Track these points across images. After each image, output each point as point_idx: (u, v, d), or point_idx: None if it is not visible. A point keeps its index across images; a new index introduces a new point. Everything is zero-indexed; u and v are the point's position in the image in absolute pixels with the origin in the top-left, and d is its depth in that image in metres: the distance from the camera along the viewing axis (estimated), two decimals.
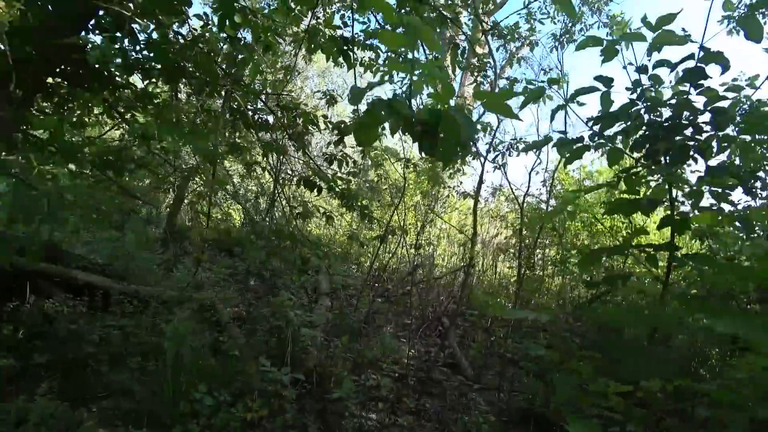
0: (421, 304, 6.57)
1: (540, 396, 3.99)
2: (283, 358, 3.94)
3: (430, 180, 6.31)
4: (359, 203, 4.31)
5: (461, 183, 6.46)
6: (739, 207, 2.71)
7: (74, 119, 3.24)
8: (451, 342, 5.61)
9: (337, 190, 3.37)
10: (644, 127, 2.27)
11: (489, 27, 5.99)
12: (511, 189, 5.67)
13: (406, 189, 5.54)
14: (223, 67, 3.13)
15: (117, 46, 2.55)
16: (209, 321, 4.89)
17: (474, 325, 5.88)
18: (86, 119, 3.36)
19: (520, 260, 6.19)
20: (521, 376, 4.22)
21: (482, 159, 4.30)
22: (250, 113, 3.48)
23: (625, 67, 2.33)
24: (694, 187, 2.06)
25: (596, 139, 2.34)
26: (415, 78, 1.43)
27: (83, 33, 2.65)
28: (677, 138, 2.14)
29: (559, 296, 6.83)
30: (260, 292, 6.91)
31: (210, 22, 3.05)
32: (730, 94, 2.15)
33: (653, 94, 2.28)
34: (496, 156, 4.18)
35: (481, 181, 4.24)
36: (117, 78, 2.86)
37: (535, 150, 4.61)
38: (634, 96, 2.28)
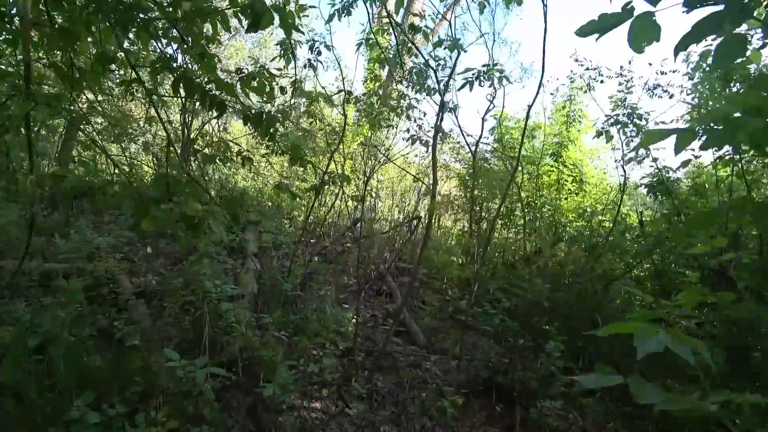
0: (363, 263, 5.97)
1: (502, 363, 3.62)
2: (199, 343, 3.16)
3: (372, 123, 5.50)
4: (286, 142, 3.43)
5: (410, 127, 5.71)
6: None
7: None
8: (398, 305, 5.13)
9: (251, 112, 2.44)
10: None
11: None
12: (463, 135, 5.06)
13: (345, 131, 4.70)
14: None
15: None
16: (105, 299, 3.89)
17: (423, 285, 5.41)
18: None
19: (472, 215, 5.75)
20: (480, 343, 3.82)
21: (440, 91, 3.57)
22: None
23: None
24: None
25: None
26: None
27: None
28: None
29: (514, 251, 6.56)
30: (175, 257, 5.90)
31: None
32: None
33: None
34: (464, 85, 3.47)
35: (441, 118, 3.54)
36: None
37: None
38: None
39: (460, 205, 6.57)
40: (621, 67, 4.49)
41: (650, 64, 5.85)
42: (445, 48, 3.18)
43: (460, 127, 5.44)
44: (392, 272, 5.95)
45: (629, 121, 4.56)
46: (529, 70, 6.13)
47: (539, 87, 3.42)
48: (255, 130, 2.27)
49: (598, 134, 4.75)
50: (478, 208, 5.69)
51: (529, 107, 3.70)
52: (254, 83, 2.81)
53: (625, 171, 4.97)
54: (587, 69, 4.59)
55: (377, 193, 7.03)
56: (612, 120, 4.63)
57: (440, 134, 4.06)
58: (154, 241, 6.03)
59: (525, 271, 3.90)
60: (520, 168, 6.89)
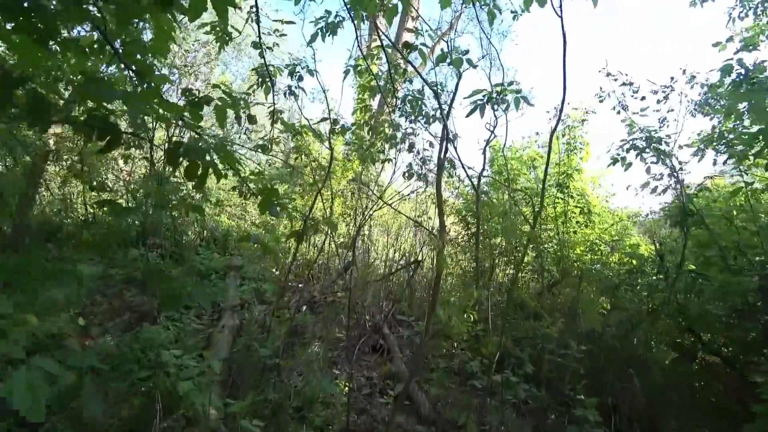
0: (357, 314, 5.29)
1: None
2: None
3: (363, 158, 4.97)
4: (259, 184, 2.86)
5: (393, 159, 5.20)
6: None
7: None
8: (398, 366, 4.43)
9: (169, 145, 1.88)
10: None
11: None
12: (464, 168, 4.53)
13: (332, 166, 4.15)
14: None
15: None
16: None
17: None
18: None
19: (477, 255, 5.15)
20: (504, 416, 3.12)
21: (443, 118, 3.04)
22: None
23: None
24: None
25: None
26: None
27: None
28: None
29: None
30: (142, 311, 5.18)
31: None
32: None
33: None
34: (473, 111, 2.94)
35: (445, 149, 2.99)
36: None
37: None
38: None
39: (461, 243, 5.99)
40: (672, 78, 4.00)
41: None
42: (449, 64, 2.68)
43: (459, 159, 4.91)
44: (390, 323, 5.26)
45: (647, 146, 4.08)
46: (528, 96, 5.64)
47: (561, 107, 2.94)
48: (171, 166, 1.68)
49: (614, 161, 4.26)
50: (482, 247, 5.11)
51: (553, 130, 3.20)
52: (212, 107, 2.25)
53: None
54: (623, 84, 4.10)
55: (370, 233, 6.42)
56: (629, 145, 4.15)
57: (443, 167, 3.52)
58: (116, 292, 5.32)
59: (546, 324, 3.26)
60: (524, 199, 6.43)
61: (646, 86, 4.05)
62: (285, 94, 3.96)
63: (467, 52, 2.73)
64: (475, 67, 2.82)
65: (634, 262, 4.68)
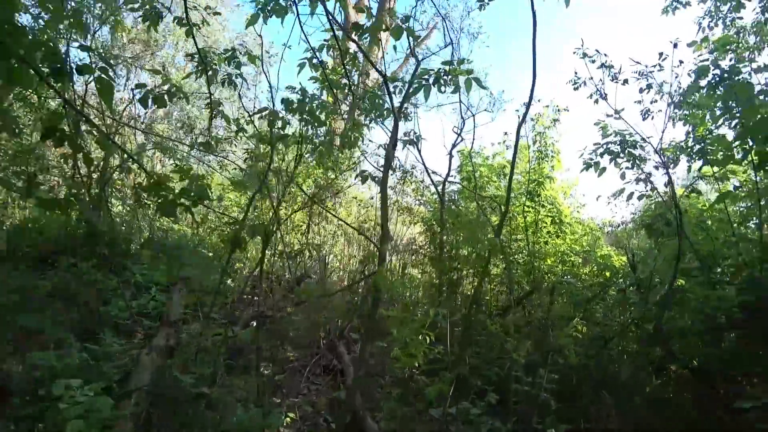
0: (309, 331, 4.80)
1: None
2: None
3: (318, 161, 4.53)
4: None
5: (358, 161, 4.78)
6: None
7: None
8: (351, 391, 3.95)
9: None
10: None
11: None
12: (428, 173, 4.15)
13: (272, 163, 3.69)
14: None
15: None
16: None
17: (381, 362, 4.28)
18: None
19: (440, 267, 4.74)
20: None
21: (393, 111, 2.64)
22: None
23: None
24: None
25: None
26: None
27: None
28: None
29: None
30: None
31: None
32: None
33: None
34: (418, 90, 2.54)
35: (393, 144, 2.58)
36: None
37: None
38: None
39: (427, 254, 5.59)
40: (661, 55, 3.54)
41: None
42: (394, 35, 2.28)
43: (423, 162, 4.55)
44: (347, 341, 4.79)
45: (621, 150, 3.80)
46: (499, 100, 5.34)
47: (531, 94, 2.59)
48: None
49: (587, 166, 3.96)
50: (447, 257, 4.73)
51: (521, 121, 2.84)
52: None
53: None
54: (602, 66, 3.66)
55: (324, 242, 5.96)
56: (603, 149, 3.86)
57: (396, 169, 3.11)
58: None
59: (513, 346, 2.86)
60: (493, 208, 6.10)
61: (629, 70, 3.68)
62: (224, 83, 3.48)
63: (408, 18, 2.35)
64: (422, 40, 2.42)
65: (607, 274, 4.38)
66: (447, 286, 4.59)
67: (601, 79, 3.58)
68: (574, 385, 3.66)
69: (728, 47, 3.68)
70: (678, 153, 4.29)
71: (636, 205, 8.90)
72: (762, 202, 3.09)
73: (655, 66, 3.56)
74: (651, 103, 3.76)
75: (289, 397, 3.90)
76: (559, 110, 5.27)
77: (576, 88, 3.81)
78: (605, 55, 3.61)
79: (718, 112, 3.54)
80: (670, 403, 3.74)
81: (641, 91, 3.66)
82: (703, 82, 3.53)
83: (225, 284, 6.66)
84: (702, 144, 3.67)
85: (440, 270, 4.54)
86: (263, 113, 3.41)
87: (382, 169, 4.76)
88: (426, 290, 5.81)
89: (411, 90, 2.33)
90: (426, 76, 2.35)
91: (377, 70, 3.06)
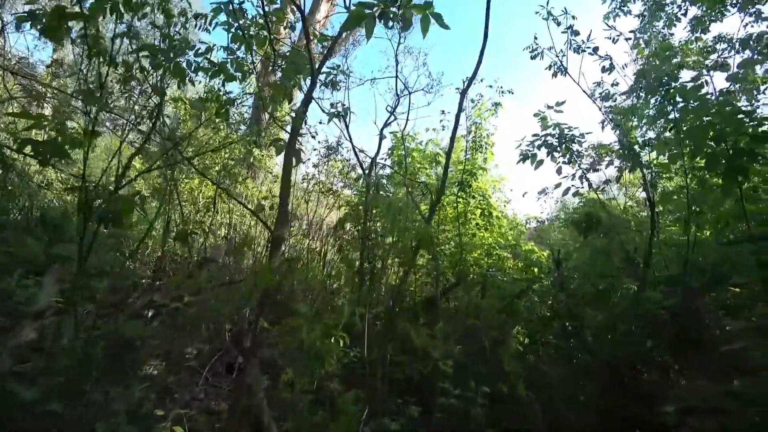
0: (209, 324, 4.19)
1: None
2: None
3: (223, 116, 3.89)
4: None
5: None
6: None
7: None
8: (254, 387, 3.45)
9: None
10: None
11: None
12: (355, 152, 3.72)
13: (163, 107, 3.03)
14: None
15: None
16: None
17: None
18: None
19: (363, 256, 4.36)
20: None
21: (311, 63, 2.15)
22: None
23: None
24: None
25: None
26: None
27: None
28: None
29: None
30: None
31: None
32: None
33: None
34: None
35: (303, 111, 2.10)
36: None
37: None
38: None
39: (349, 240, 5.17)
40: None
41: None
42: None
43: (351, 140, 4.07)
44: (254, 336, 4.24)
45: (559, 144, 3.64)
46: (438, 82, 5.00)
47: (479, 61, 2.23)
48: None
49: (524, 157, 3.76)
50: (371, 244, 4.34)
51: (464, 91, 2.48)
52: None
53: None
54: (568, 29, 3.36)
55: (238, 221, 5.31)
56: (541, 141, 3.67)
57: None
58: None
59: (438, 355, 2.55)
60: (421, 197, 5.83)
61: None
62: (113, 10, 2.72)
63: None
64: None
65: (535, 270, 4.28)
66: (369, 276, 4.22)
67: (568, 46, 3.33)
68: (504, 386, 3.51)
69: (667, 53, 3.63)
70: (610, 154, 4.27)
71: (559, 202, 9.22)
72: (694, 208, 3.07)
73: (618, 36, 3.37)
74: (612, 85, 3.61)
75: (179, 404, 3.30)
76: (503, 92, 5.03)
77: (533, 57, 3.55)
78: (573, 17, 3.34)
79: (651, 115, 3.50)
80: (580, 394, 3.73)
81: (604, 70, 3.49)
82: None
83: (121, 266, 5.73)
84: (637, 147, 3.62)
85: (363, 258, 4.14)
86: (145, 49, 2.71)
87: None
88: (347, 279, 5.42)
89: (348, 22, 1.82)
90: (369, 8, 1.85)
91: (296, 4, 2.52)
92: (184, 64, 3.00)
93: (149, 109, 3.37)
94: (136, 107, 3.70)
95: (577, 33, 3.43)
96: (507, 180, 7.15)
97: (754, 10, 5.11)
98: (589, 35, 3.42)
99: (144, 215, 4.60)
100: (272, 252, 2.05)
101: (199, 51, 2.93)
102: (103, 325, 3.77)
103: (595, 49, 3.43)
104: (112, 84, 3.62)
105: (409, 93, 4.34)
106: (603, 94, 3.71)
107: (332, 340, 2.35)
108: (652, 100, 3.30)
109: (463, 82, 3.13)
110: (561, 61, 3.45)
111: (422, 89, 4.60)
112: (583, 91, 3.84)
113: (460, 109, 2.57)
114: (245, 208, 4.00)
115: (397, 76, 4.17)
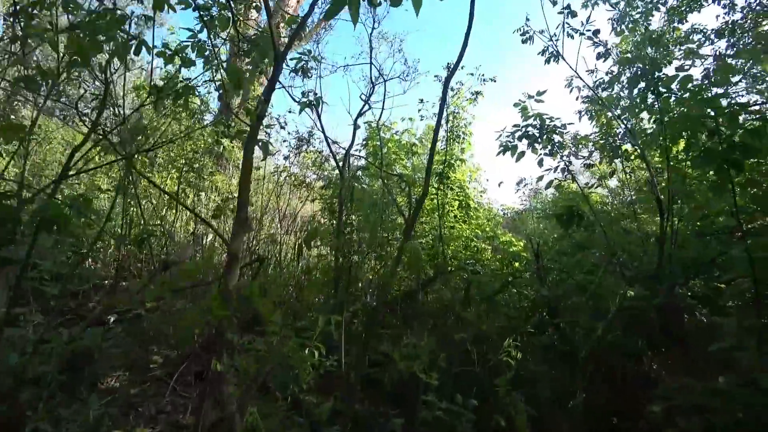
0: (175, 331, 3.93)
1: None
2: None
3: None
4: None
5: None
6: None
7: None
8: (224, 398, 3.25)
9: None
10: None
11: None
12: (328, 143, 3.49)
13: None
14: None
15: None
16: None
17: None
18: None
19: (339, 249, 4.17)
20: None
21: (273, 45, 1.93)
22: None
23: None
24: None
25: None
26: None
27: None
28: None
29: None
30: None
31: None
32: None
33: None
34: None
35: (267, 96, 1.89)
36: None
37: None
38: None
39: (324, 234, 4.95)
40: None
41: None
42: None
43: (323, 130, 3.84)
44: (228, 340, 4.00)
45: (540, 135, 3.52)
46: (414, 69, 4.79)
47: (464, 45, 2.05)
48: None
49: (504, 149, 3.63)
50: (347, 239, 4.16)
51: (447, 80, 2.29)
52: None
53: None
54: (564, 10, 3.20)
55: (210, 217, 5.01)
56: (521, 132, 3.54)
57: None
58: None
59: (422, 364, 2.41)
60: (397, 190, 5.67)
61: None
62: None
63: None
64: None
65: (516, 264, 4.19)
66: (346, 272, 4.05)
67: (564, 28, 3.17)
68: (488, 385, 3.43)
69: (649, 43, 3.54)
70: (591, 147, 4.20)
71: (535, 192, 9.22)
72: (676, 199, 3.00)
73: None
74: (607, 74, 3.48)
75: (143, 420, 3.06)
76: (484, 80, 4.86)
77: (525, 41, 3.39)
78: None
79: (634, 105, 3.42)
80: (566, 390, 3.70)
81: (599, 57, 3.37)
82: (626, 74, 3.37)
83: (76, 268, 5.34)
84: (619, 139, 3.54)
85: (338, 254, 3.95)
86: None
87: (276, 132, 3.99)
88: (324, 276, 5.23)
89: (334, 4, 1.58)
90: None
91: None
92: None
93: (95, 96, 3.04)
94: (87, 94, 3.35)
95: (574, 14, 3.28)
96: (483, 170, 7.06)
97: (728, 0, 5.12)
98: (589, 17, 3.29)
99: (87, 217, 4.25)
100: (227, 271, 1.84)
101: (138, 23, 2.62)
102: (55, 336, 3.46)
103: (596, 32, 3.30)
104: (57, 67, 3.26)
105: (384, 81, 4.15)
106: (597, 83, 3.60)
107: (306, 351, 2.17)
108: (635, 90, 3.22)
109: (448, 68, 2.93)
110: (555, 46, 3.31)
111: (398, 76, 4.40)
112: (579, 77, 3.70)
113: (444, 99, 2.40)
114: (195, 215, 3.70)
115: (371, 63, 3.96)
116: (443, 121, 5.70)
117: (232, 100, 6.83)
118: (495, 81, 4.78)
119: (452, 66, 2.31)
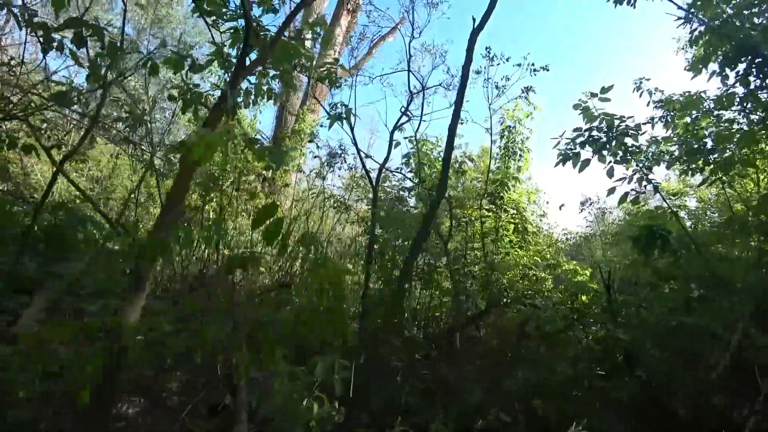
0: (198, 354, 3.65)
1: None
2: None
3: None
4: None
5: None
6: None
7: None
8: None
9: None
10: None
11: None
12: (360, 158, 3.13)
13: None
14: None
15: None
16: None
17: None
18: None
19: (368, 270, 3.71)
20: None
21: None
22: None
23: None
24: None
25: None
26: None
27: None
28: None
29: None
30: None
31: None
32: None
33: None
34: None
35: (232, 88, 1.54)
36: None
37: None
38: None
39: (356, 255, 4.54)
40: None
41: None
42: None
43: (355, 143, 3.49)
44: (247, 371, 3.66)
45: (609, 139, 2.90)
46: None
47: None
48: None
49: (564, 158, 3.04)
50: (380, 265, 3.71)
51: (473, 34, 1.83)
52: None
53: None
54: None
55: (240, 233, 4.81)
56: (584, 137, 2.95)
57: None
58: None
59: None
60: (446, 210, 5.15)
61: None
62: None
63: None
64: None
65: (584, 298, 3.49)
66: (378, 302, 3.57)
67: None
68: None
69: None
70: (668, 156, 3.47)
71: (597, 214, 8.22)
72: None
73: None
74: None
75: None
76: (535, 71, 4.22)
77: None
78: None
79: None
80: None
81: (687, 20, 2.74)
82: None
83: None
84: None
85: (367, 279, 3.51)
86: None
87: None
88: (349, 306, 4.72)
89: None
90: None
91: None
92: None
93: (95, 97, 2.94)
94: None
95: None
96: (542, 191, 6.34)
97: None
98: None
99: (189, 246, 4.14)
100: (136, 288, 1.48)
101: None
102: (74, 355, 3.30)
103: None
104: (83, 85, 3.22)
105: (424, 89, 3.75)
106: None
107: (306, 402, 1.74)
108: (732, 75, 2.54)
109: (473, 21, 2.43)
110: None
111: (440, 84, 4.00)
112: (679, 7, 2.89)
113: (469, 60, 1.95)
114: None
115: (409, 70, 3.59)
116: (496, 135, 5.18)
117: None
118: (548, 70, 4.14)
119: (480, 19, 1.85)
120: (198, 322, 3.94)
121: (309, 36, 2.90)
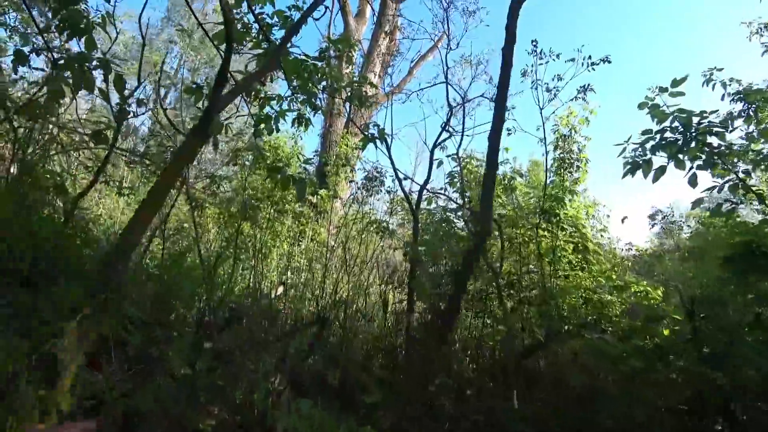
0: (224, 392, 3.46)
1: None
2: None
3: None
4: None
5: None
6: None
7: None
8: None
9: None
10: None
11: None
12: (398, 177, 2.89)
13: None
14: None
15: None
16: None
17: None
18: None
19: (411, 299, 3.40)
20: None
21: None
22: None
23: None
24: None
25: None
26: None
27: None
28: None
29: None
30: None
31: None
32: None
33: None
34: None
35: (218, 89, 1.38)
36: None
37: None
38: None
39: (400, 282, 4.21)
40: None
41: None
42: None
43: (392, 162, 3.25)
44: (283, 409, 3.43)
45: (685, 140, 2.46)
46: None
47: None
48: None
49: (633, 167, 2.62)
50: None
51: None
52: None
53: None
54: None
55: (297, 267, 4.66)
56: (657, 141, 2.52)
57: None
58: None
59: None
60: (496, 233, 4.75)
61: None
62: None
63: None
64: None
65: (666, 331, 2.97)
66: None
67: None
68: None
69: None
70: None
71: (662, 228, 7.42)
72: None
73: None
74: None
75: None
76: (593, 65, 3.65)
77: None
78: None
79: None
80: None
81: None
82: None
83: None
84: None
85: (408, 312, 3.19)
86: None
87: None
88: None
89: None
90: None
91: None
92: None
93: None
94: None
95: None
96: (602, 204, 5.77)
97: None
98: None
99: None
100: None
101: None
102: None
103: None
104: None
105: (464, 101, 3.47)
106: None
107: None
108: None
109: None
110: None
111: (482, 95, 3.69)
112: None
113: (511, 40, 1.64)
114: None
115: (447, 82, 3.33)
116: (549, 145, 4.75)
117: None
118: (610, 62, 3.59)
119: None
120: (238, 357, 3.78)
121: (333, 53, 2.75)
